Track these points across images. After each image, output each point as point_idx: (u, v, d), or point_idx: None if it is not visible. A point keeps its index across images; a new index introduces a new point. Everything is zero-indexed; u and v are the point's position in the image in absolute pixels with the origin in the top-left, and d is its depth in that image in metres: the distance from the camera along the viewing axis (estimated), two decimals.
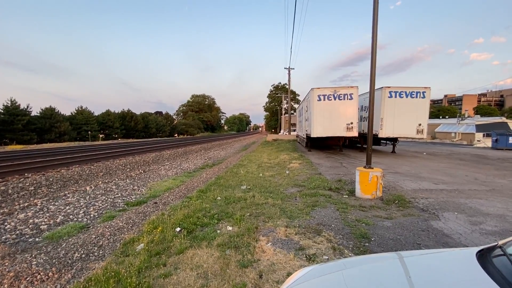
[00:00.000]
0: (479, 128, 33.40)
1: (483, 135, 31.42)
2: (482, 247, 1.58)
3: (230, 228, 4.47)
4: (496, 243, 1.56)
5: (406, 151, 18.13)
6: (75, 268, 3.68)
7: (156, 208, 6.38)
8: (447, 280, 1.35)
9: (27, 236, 4.84)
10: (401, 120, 14.51)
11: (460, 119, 40.10)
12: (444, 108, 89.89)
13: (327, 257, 3.34)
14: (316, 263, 3.22)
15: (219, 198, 6.48)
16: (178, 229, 4.56)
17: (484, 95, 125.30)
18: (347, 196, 6.47)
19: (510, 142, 19.65)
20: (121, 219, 5.60)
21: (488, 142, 25.37)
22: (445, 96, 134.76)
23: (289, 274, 3.00)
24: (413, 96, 14.52)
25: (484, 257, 1.45)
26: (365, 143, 19.04)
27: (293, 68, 37.11)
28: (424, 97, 14.55)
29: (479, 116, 52.22)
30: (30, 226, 5.30)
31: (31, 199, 7.32)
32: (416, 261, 1.73)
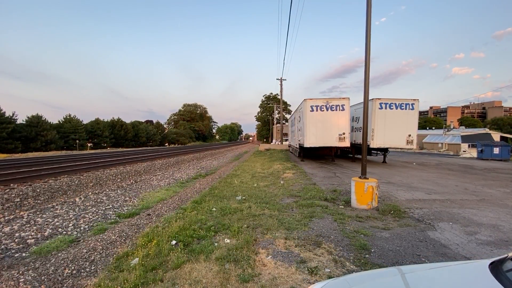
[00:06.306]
0: (465, 139, 34.55)
1: (469, 146, 32.48)
2: (492, 259, 1.59)
3: (228, 240, 4.38)
4: (506, 255, 1.58)
5: (396, 161, 18.47)
6: (65, 285, 3.49)
7: (150, 220, 6.20)
8: None
9: (13, 251, 4.59)
10: (391, 131, 14.86)
11: (446, 130, 41.42)
12: (430, 119, 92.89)
13: (329, 270, 3.30)
14: (319, 276, 3.18)
15: (214, 209, 6.37)
16: (174, 242, 4.43)
17: (467, 107, 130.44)
18: (343, 207, 6.48)
19: (494, 152, 20.34)
20: (113, 231, 5.41)
21: (474, 153, 26.20)
22: (431, 107, 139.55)
23: None
24: (402, 107, 14.95)
25: (496, 269, 1.46)
26: (356, 153, 19.35)
27: (285, 79, 37.70)
28: (413, 108, 15.01)
29: (463, 127, 54.13)
30: (16, 240, 5.03)
31: (17, 211, 6.99)
32: (424, 275, 1.72)
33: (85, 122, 51.23)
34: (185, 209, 6.58)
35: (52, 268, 3.90)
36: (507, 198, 7.41)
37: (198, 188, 10.06)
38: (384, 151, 17.08)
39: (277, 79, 36.87)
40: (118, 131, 55.91)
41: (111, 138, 53.87)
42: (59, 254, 4.39)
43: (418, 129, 16.06)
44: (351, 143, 16.34)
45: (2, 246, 4.75)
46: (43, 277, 3.63)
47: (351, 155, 19.68)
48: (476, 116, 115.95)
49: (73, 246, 4.82)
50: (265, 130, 75.83)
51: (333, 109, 15.02)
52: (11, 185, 9.77)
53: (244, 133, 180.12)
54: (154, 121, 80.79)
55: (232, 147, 55.93)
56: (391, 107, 14.88)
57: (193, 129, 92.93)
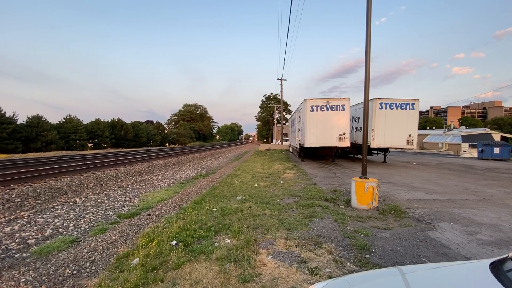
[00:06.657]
0: (465, 138, 34.54)
1: (469, 146, 32.48)
2: (493, 259, 1.59)
3: (228, 240, 4.38)
4: (507, 255, 1.58)
5: (397, 161, 18.45)
6: (66, 285, 3.50)
7: (150, 220, 6.21)
8: None
9: (14, 252, 4.60)
10: (392, 131, 14.85)
11: (446, 130, 41.41)
12: (431, 119, 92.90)
13: (329, 270, 3.30)
14: (319, 276, 3.18)
15: (214, 209, 6.37)
16: (174, 242, 4.44)
17: (467, 107, 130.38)
18: (343, 207, 6.48)
19: (495, 152, 20.30)
20: (113, 232, 5.41)
21: (474, 152, 26.19)
22: (431, 107, 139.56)
23: None
24: (403, 107, 14.94)
25: (497, 270, 1.46)
26: (357, 153, 19.33)
27: (285, 79, 37.65)
28: (413, 108, 15.00)
29: (464, 127, 54.14)
30: (16, 240, 5.04)
31: (18, 211, 7.00)
32: (425, 275, 1.72)
33: (85, 122, 51.23)
34: (185, 209, 6.59)
35: (53, 268, 3.90)
36: (508, 198, 7.40)
37: (199, 188, 10.07)
38: (385, 151, 17.06)
39: (277, 79, 36.87)
40: (119, 132, 55.89)
41: (111, 138, 53.85)
42: (60, 255, 4.40)
43: (419, 129, 16.08)
44: (351, 143, 16.33)
45: (3, 247, 4.76)
46: (43, 278, 3.64)
47: (352, 155, 19.66)
48: (476, 116, 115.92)
49: (74, 246, 4.83)
50: (266, 130, 75.84)
51: (333, 109, 15.02)
52: (12, 185, 9.78)
53: (244, 133, 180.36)
54: (155, 121, 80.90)
55: (232, 147, 55.95)
56: (392, 107, 14.87)
57: (193, 129, 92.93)
